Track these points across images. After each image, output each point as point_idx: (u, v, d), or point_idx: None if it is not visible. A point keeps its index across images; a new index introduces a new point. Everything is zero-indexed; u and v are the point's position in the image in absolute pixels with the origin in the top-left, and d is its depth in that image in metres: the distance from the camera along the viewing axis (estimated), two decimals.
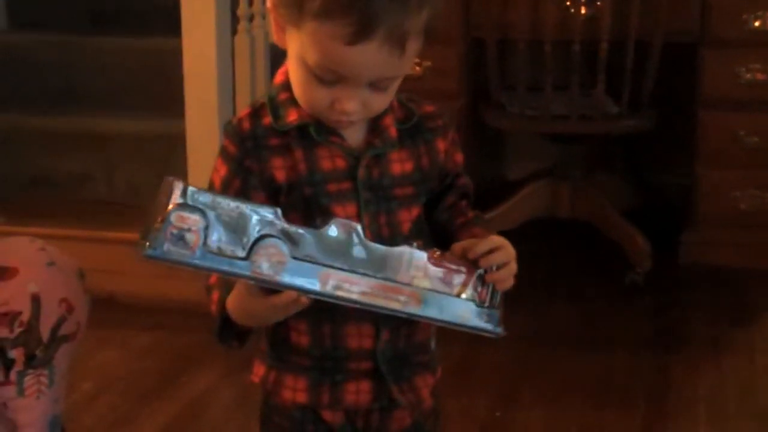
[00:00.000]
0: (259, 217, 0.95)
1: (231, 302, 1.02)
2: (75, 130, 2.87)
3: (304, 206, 1.04)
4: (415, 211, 1.09)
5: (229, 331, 1.05)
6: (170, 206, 0.91)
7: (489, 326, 1.05)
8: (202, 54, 2.40)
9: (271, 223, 0.95)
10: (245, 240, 0.94)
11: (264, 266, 0.94)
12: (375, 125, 1.07)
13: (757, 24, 2.65)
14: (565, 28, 2.57)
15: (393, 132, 1.08)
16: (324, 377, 1.08)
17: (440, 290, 1.02)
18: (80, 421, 1.95)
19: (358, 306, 0.99)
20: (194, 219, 0.92)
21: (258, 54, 2.57)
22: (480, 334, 1.05)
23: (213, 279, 1.05)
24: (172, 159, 2.66)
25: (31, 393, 1.50)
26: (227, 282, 1.02)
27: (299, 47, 1.01)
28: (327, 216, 1.01)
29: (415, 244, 1.01)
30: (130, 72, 2.94)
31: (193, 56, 2.42)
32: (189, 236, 0.91)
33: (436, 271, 1.02)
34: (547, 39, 2.54)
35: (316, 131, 1.05)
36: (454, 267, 1.03)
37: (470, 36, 2.81)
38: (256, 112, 1.07)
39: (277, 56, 2.48)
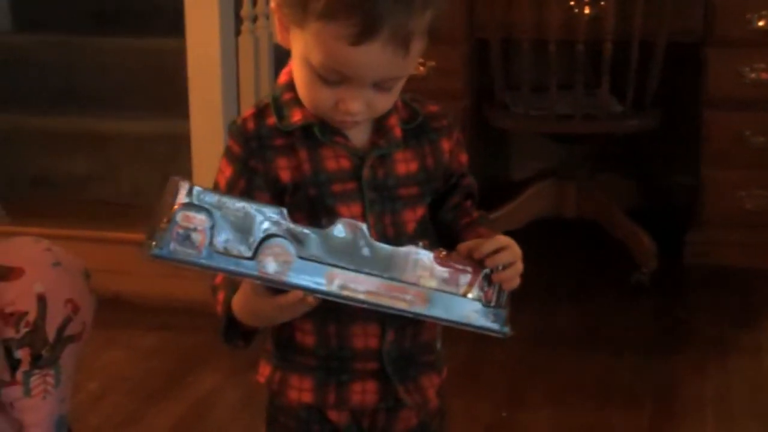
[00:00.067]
0: (265, 216, 0.95)
1: (236, 302, 1.02)
2: (78, 130, 2.88)
3: (309, 206, 1.04)
4: (420, 211, 1.09)
5: (235, 331, 1.05)
6: (176, 206, 0.91)
7: (495, 326, 1.05)
8: (206, 54, 2.41)
9: (277, 223, 0.95)
10: (251, 240, 0.94)
11: (270, 266, 0.94)
12: (379, 125, 1.07)
13: (761, 23, 2.65)
14: (569, 28, 2.57)
15: (398, 132, 1.08)
16: (330, 377, 1.08)
17: (446, 290, 1.02)
18: (86, 421, 1.96)
19: (364, 306, 0.99)
20: (200, 219, 0.92)
21: (262, 54, 2.57)
22: (486, 334, 1.05)
23: (218, 279, 1.05)
24: (175, 159, 2.66)
25: (37, 393, 1.50)
26: (233, 282, 1.02)
27: (303, 47, 1.01)
28: (332, 216, 1.01)
29: (421, 243, 1.01)
30: (133, 72, 2.94)
31: (197, 57, 2.42)
32: (195, 236, 0.91)
33: (442, 270, 1.02)
34: (551, 39, 2.54)
35: (320, 131, 1.05)
36: (460, 267, 1.03)
37: (474, 36, 2.81)
38: (260, 113, 1.07)
39: (281, 56, 2.48)
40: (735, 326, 2.43)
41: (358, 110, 1.01)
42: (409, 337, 1.09)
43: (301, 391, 1.09)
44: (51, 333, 1.49)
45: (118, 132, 2.85)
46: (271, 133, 1.05)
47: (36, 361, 1.49)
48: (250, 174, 1.05)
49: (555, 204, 2.80)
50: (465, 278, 1.03)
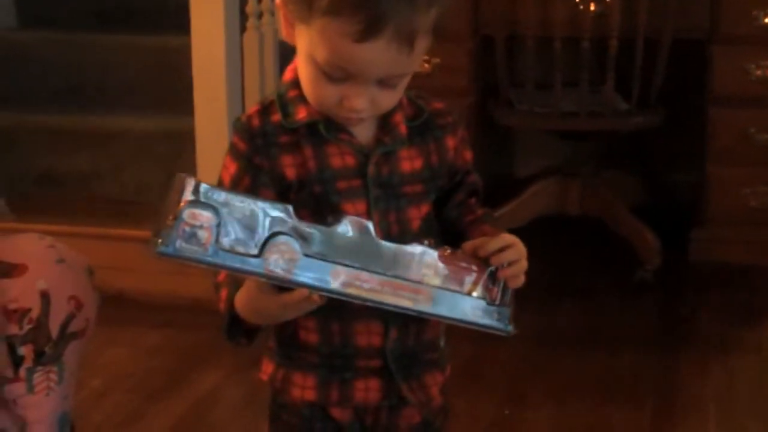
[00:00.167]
0: (271, 214, 0.94)
1: (240, 300, 1.02)
2: (83, 127, 2.88)
3: (314, 203, 1.04)
4: (425, 209, 1.09)
5: (238, 328, 1.05)
6: (182, 203, 0.91)
7: (500, 324, 1.05)
8: (211, 51, 2.40)
9: (282, 221, 0.95)
10: (257, 237, 0.93)
11: (276, 264, 0.94)
12: (385, 122, 1.07)
13: (766, 20, 2.64)
14: (575, 25, 2.56)
15: (403, 129, 1.08)
16: (333, 375, 1.08)
17: (451, 288, 1.02)
18: (89, 418, 1.96)
19: (369, 304, 0.99)
20: (206, 216, 0.91)
21: (267, 51, 2.57)
22: (490, 333, 1.05)
23: (221, 276, 1.05)
24: (180, 156, 2.66)
25: (40, 390, 1.50)
26: (236, 279, 1.02)
27: (308, 44, 1.01)
28: (337, 213, 1.01)
29: (426, 242, 1.01)
30: (137, 69, 2.94)
31: (202, 54, 2.42)
32: (201, 233, 0.91)
33: (447, 269, 1.02)
34: (556, 36, 2.54)
35: (325, 128, 1.05)
36: (464, 265, 1.03)
37: (479, 33, 2.80)
38: (265, 110, 1.07)
39: (287, 53, 2.48)
40: (738, 324, 2.43)
41: (363, 107, 1.01)
42: (412, 335, 1.09)
43: (304, 388, 1.09)
44: (54, 330, 1.49)
45: (123, 129, 2.85)
46: (276, 130, 1.05)
47: (39, 357, 1.49)
48: (255, 171, 1.04)
49: (559, 201, 2.79)
50: (469, 276, 1.03)
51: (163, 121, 2.80)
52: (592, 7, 2.59)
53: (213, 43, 2.40)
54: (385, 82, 1.01)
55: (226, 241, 0.92)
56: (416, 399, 1.11)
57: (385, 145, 1.06)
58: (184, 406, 2.04)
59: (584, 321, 2.46)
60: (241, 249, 0.93)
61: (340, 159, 1.05)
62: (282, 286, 0.97)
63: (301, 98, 1.05)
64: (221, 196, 0.92)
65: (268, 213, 0.94)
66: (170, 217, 0.91)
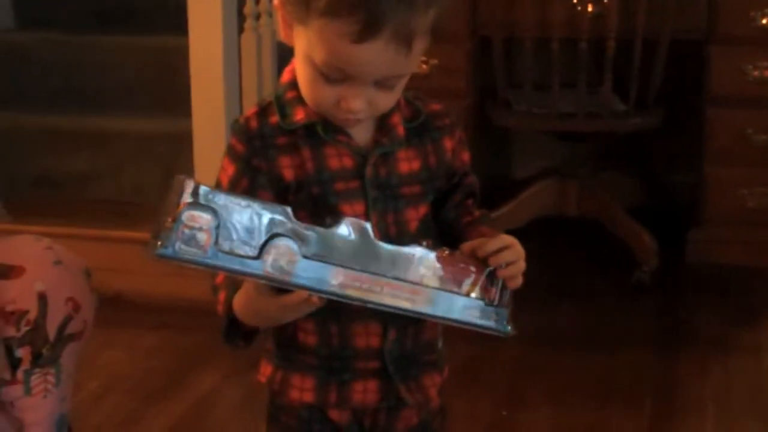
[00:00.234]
0: (270, 216, 0.94)
1: (238, 302, 1.02)
2: (80, 128, 2.88)
3: (312, 205, 1.04)
4: (423, 210, 1.09)
5: (236, 331, 1.05)
6: (181, 205, 0.91)
7: (498, 325, 1.05)
8: (209, 52, 2.40)
9: (282, 223, 0.95)
10: (256, 239, 0.93)
11: (275, 265, 0.94)
12: (383, 124, 1.07)
13: (764, 21, 2.64)
14: (572, 26, 2.56)
15: (401, 131, 1.08)
16: (331, 376, 1.08)
17: (449, 289, 1.02)
18: (87, 420, 1.95)
19: (368, 305, 0.99)
20: (206, 218, 0.91)
21: (265, 52, 2.57)
22: (489, 333, 1.05)
23: (219, 279, 1.05)
24: (178, 158, 2.66)
25: (38, 392, 1.50)
26: (234, 282, 1.02)
27: (306, 45, 1.01)
28: (335, 214, 1.01)
29: (425, 243, 1.01)
30: (135, 70, 2.94)
31: (200, 55, 2.42)
32: (200, 235, 0.91)
33: (446, 270, 1.02)
34: (554, 37, 2.54)
35: (323, 130, 1.05)
36: (463, 266, 1.03)
37: (477, 34, 2.80)
38: (263, 111, 1.07)
39: (284, 55, 2.48)
40: (736, 325, 2.43)
41: (360, 108, 1.01)
42: (410, 336, 1.09)
43: (302, 390, 1.09)
44: (52, 332, 1.49)
45: (120, 130, 2.85)
46: (274, 131, 1.05)
47: (37, 359, 1.49)
48: (253, 173, 1.04)
49: (557, 202, 2.79)
50: (468, 278, 1.03)
51: (161, 122, 2.80)
52: (590, 8, 2.59)
53: (211, 44, 2.40)
54: (382, 83, 1.01)
55: (225, 243, 0.92)
56: (414, 400, 1.11)
57: (383, 146, 1.06)
58: (183, 408, 2.04)
59: (583, 322, 2.46)
60: (240, 251, 0.93)
61: (338, 160, 1.05)
62: (281, 288, 0.97)
63: (299, 100, 1.05)
64: (220, 198, 0.92)
65: (267, 215, 0.94)
66: (169, 220, 0.91)
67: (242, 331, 1.05)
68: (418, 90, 1.11)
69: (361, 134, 1.06)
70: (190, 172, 2.43)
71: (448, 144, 1.11)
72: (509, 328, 1.06)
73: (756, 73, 2.66)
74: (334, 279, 0.96)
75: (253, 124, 1.06)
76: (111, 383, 2.14)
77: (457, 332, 1.07)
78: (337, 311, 1.03)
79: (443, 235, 1.10)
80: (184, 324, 2.36)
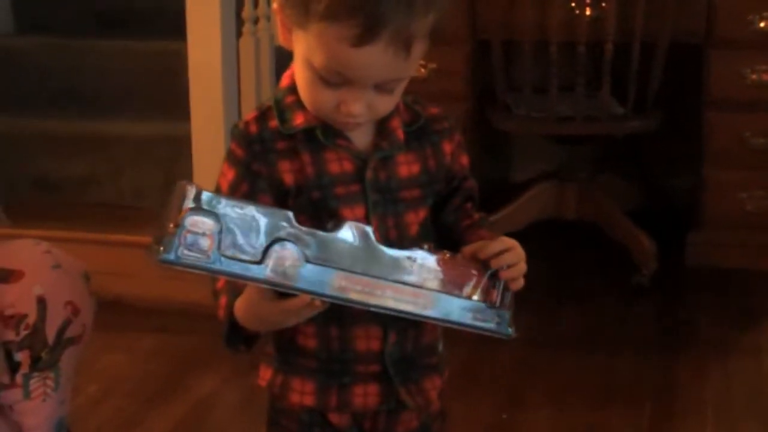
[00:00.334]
0: (272, 220, 0.95)
1: (239, 307, 1.02)
2: (79, 132, 2.88)
3: (312, 209, 1.04)
4: (422, 214, 1.09)
5: (237, 335, 1.05)
6: (184, 211, 0.91)
7: (500, 328, 1.05)
8: (208, 56, 2.40)
9: (284, 227, 0.95)
10: (259, 244, 0.94)
11: (278, 270, 0.94)
12: (382, 127, 1.07)
13: (762, 24, 2.65)
14: (571, 29, 2.56)
15: (400, 134, 1.08)
16: (331, 380, 1.08)
17: (451, 292, 1.02)
18: (86, 424, 1.95)
19: (371, 309, 0.99)
20: (208, 223, 0.92)
21: (263, 56, 2.57)
22: (490, 336, 1.05)
23: (220, 283, 1.05)
24: (177, 162, 2.66)
25: (37, 396, 1.50)
26: (235, 286, 1.02)
27: (305, 49, 1.01)
28: (335, 218, 1.01)
29: (426, 246, 1.02)
30: (134, 74, 2.94)
31: (199, 59, 2.42)
32: (203, 241, 0.91)
33: (447, 273, 1.02)
34: (552, 40, 2.54)
35: (323, 134, 1.05)
36: (464, 269, 1.03)
37: (476, 38, 2.80)
38: (262, 116, 1.07)
39: (283, 59, 2.49)
40: (735, 328, 2.43)
41: (359, 112, 1.01)
42: (410, 339, 1.09)
43: (302, 394, 1.09)
44: (51, 335, 1.49)
45: (119, 134, 2.85)
46: (274, 136, 1.05)
47: (36, 363, 1.49)
48: (253, 177, 1.04)
49: (555, 205, 2.80)
50: (469, 280, 1.03)
51: (160, 125, 2.80)
52: (588, 12, 2.59)
53: (209, 48, 2.40)
54: (382, 87, 1.01)
55: (227, 248, 0.92)
56: (415, 403, 1.11)
57: (383, 150, 1.06)
58: (182, 411, 2.04)
59: (582, 324, 2.46)
60: (242, 256, 0.93)
61: (338, 164, 1.05)
62: (283, 292, 0.97)
63: (299, 104, 1.05)
64: (222, 203, 0.93)
65: (269, 219, 0.94)
66: (171, 225, 0.91)
67: (243, 336, 1.05)
68: (416, 94, 1.11)
69: (361, 138, 1.07)
70: (189, 175, 2.43)
71: (447, 147, 1.11)
72: (511, 330, 1.06)
73: (754, 76, 2.66)
74: (336, 282, 0.96)
75: (253, 128, 1.06)
76: (110, 387, 2.14)
77: (456, 334, 1.07)
78: (337, 314, 1.03)
79: (442, 238, 1.10)
80: (183, 327, 2.36)
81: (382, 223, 1.05)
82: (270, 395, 1.12)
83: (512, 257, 1.04)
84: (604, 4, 2.56)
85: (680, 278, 2.71)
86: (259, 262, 0.94)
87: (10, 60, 3.05)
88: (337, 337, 1.07)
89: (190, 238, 0.91)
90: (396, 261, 0.99)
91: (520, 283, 1.06)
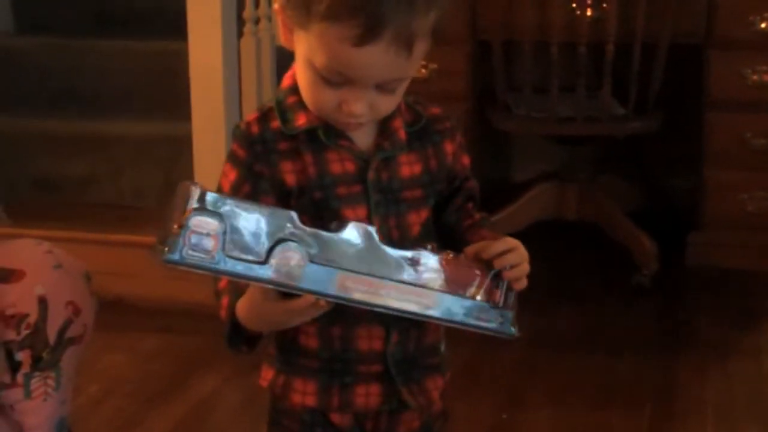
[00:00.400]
0: (276, 221, 0.95)
1: (242, 307, 1.02)
2: (80, 132, 2.88)
3: (314, 210, 1.04)
4: (424, 214, 1.09)
5: (239, 336, 1.05)
6: (188, 211, 0.91)
7: (504, 328, 1.05)
8: (208, 57, 2.41)
9: (288, 227, 0.95)
10: (263, 244, 0.94)
11: (282, 270, 0.94)
12: (384, 128, 1.07)
13: (763, 25, 2.65)
14: (571, 29, 2.56)
15: (402, 135, 1.08)
16: (333, 380, 1.08)
17: (455, 292, 1.02)
18: (87, 424, 1.95)
19: (375, 309, 0.99)
20: (213, 224, 0.92)
21: (264, 57, 2.57)
22: (493, 336, 1.05)
23: (222, 284, 1.05)
24: (177, 162, 2.66)
25: (37, 395, 1.50)
26: (237, 287, 1.02)
27: (307, 49, 1.01)
28: (337, 219, 1.01)
29: (429, 246, 1.02)
30: (135, 74, 2.94)
31: (200, 59, 2.42)
32: (207, 241, 0.91)
33: (451, 273, 1.02)
34: (553, 41, 2.54)
35: (324, 135, 1.05)
36: (467, 269, 1.03)
37: (476, 38, 2.80)
38: (264, 116, 1.07)
39: (284, 59, 2.49)
40: (736, 328, 2.43)
41: (361, 112, 1.01)
42: (413, 339, 1.09)
43: (304, 394, 1.09)
44: (52, 335, 1.49)
45: (120, 134, 2.85)
46: (276, 136, 1.05)
47: (37, 363, 1.49)
48: (255, 178, 1.04)
49: (556, 206, 2.80)
50: (473, 280, 1.03)
51: (161, 125, 2.80)
52: (589, 12, 2.59)
53: (210, 48, 2.41)
54: (383, 87, 1.01)
55: (232, 249, 0.92)
56: (417, 403, 1.11)
57: (385, 150, 1.06)
58: (183, 411, 2.04)
59: (583, 324, 2.46)
60: (247, 256, 0.93)
61: (340, 165, 1.05)
62: (287, 293, 0.97)
63: (300, 105, 1.05)
64: (227, 203, 0.93)
65: (273, 220, 0.95)
66: (176, 226, 0.91)
67: (245, 336, 1.05)
68: (417, 94, 1.12)
69: (363, 138, 1.07)
70: (189, 175, 2.43)
71: (448, 148, 1.11)
72: (514, 330, 1.06)
73: (755, 77, 2.66)
74: (340, 283, 0.97)
75: (255, 129, 1.06)
76: (111, 387, 2.14)
77: (457, 334, 1.07)
78: (339, 314, 1.03)
79: (444, 239, 1.10)
80: (184, 327, 2.36)
81: (384, 224, 1.05)
82: (271, 395, 1.12)
83: (515, 257, 1.04)
84: (604, 5, 2.56)
85: (681, 279, 2.71)
86: (264, 263, 0.94)
87: (9, 60, 3.05)
88: (339, 336, 1.07)
89: (194, 238, 0.91)
90: (399, 261, 0.99)
91: (524, 283, 1.06)
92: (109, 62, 2.98)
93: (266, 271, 0.94)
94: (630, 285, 2.62)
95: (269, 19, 2.58)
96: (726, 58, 2.68)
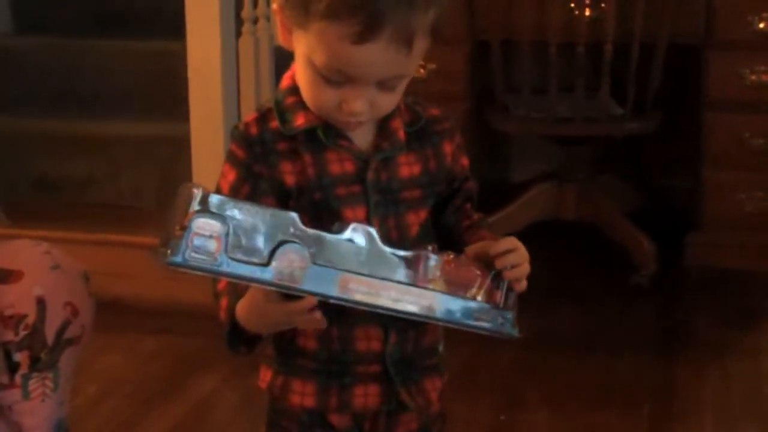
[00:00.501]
0: (278, 222, 0.95)
1: (242, 309, 1.02)
2: (79, 133, 2.88)
3: (314, 210, 1.04)
4: (423, 214, 1.09)
5: (238, 337, 1.05)
6: (190, 213, 0.91)
7: (504, 328, 1.06)
8: (207, 57, 2.40)
9: (290, 229, 0.95)
10: (265, 246, 0.94)
11: (284, 272, 0.94)
12: (383, 128, 1.07)
13: (761, 25, 2.65)
14: (570, 30, 2.56)
15: (401, 135, 1.08)
16: (332, 381, 1.08)
17: (455, 293, 1.03)
18: (85, 425, 1.95)
19: (377, 310, 0.99)
20: (215, 226, 0.92)
21: (262, 56, 2.57)
22: (494, 336, 1.05)
23: (221, 285, 1.05)
24: (176, 162, 2.66)
25: (36, 396, 1.49)
26: (236, 288, 1.02)
27: (306, 48, 1.01)
28: (337, 219, 1.01)
29: (430, 247, 1.02)
30: (134, 75, 2.94)
31: (198, 59, 2.42)
32: (210, 243, 0.91)
33: (451, 274, 1.02)
34: (551, 41, 2.54)
35: (324, 134, 1.05)
36: (468, 270, 1.03)
37: (475, 38, 2.80)
38: (263, 117, 1.07)
39: (282, 59, 2.49)
40: (734, 329, 2.43)
41: (362, 110, 1.01)
42: (411, 340, 1.09)
43: (303, 395, 1.09)
44: (50, 336, 1.49)
45: (119, 134, 2.85)
46: (275, 137, 1.05)
47: (35, 364, 1.48)
48: (255, 179, 1.04)
49: (554, 206, 2.80)
50: (474, 281, 1.03)
51: (160, 126, 2.80)
52: (588, 13, 2.59)
53: (208, 48, 2.40)
54: (384, 85, 1.01)
55: (234, 251, 0.92)
56: (415, 404, 1.11)
57: (384, 150, 1.06)
58: (181, 412, 2.04)
59: (581, 325, 2.46)
60: (249, 258, 0.93)
61: (339, 165, 1.05)
62: (288, 294, 0.97)
63: (299, 105, 1.05)
64: (229, 205, 0.93)
65: (275, 221, 0.95)
66: (178, 228, 0.91)
67: (245, 338, 1.05)
68: (416, 95, 1.12)
69: (362, 139, 1.07)
70: (188, 175, 2.43)
71: (447, 148, 1.11)
72: (515, 331, 1.06)
73: (753, 77, 2.66)
74: (342, 284, 0.97)
75: (253, 130, 1.06)
76: (109, 387, 2.14)
77: (456, 335, 1.07)
78: (338, 315, 1.03)
79: (442, 239, 1.10)
80: (182, 328, 2.36)
81: (383, 224, 1.05)
82: (270, 396, 1.12)
83: (516, 258, 1.04)
84: (603, 5, 2.56)
85: (679, 279, 2.71)
86: (266, 265, 0.94)
87: (9, 60, 3.05)
88: (337, 337, 1.07)
89: (197, 240, 0.91)
90: (400, 262, 1.00)
91: (524, 285, 1.06)
92: (108, 62, 2.98)
93: (268, 273, 0.94)
94: (629, 285, 2.62)
95: (268, 18, 2.58)
96: (724, 58, 2.68)
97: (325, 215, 1.03)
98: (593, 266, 2.80)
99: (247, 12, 2.55)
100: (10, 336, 1.47)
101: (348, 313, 1.02)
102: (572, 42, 2.55)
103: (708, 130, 2.73)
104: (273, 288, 0.95)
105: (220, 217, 0.92)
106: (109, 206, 2.79)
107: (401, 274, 0.99)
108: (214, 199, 0.92)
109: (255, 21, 2.58)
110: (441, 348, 1.14)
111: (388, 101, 1.03)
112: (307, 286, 0.95)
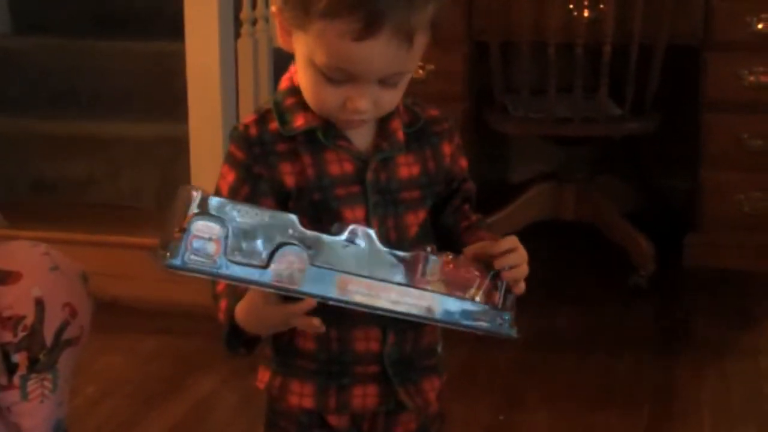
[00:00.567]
0: (278, 224, 0.95)
1: (241, 310, 1.02)
2: (78, 133, 2.88)
3: (313, 211, 1.04)
4: (422, 215, 1.09)
5: (237, 339, 1.05)
6: (190, 216, 0.91)
7: (503, 329, 1.06)
8: (206, 58, 2.41)
9: (289, 231, 0.95)
10: (264, 248, 0.94)
11: (284, 274, 0.94)
12: (382, 129, 1.07)
13: (760, 26, 2.65)
14: (569, 30, 2.57)
15: (400, 135, 1.08)
16: (330, 381, 1.08)
17: (454, 294, 1.03)
18: (84, 426, 1.95)
19: (376, 312, 1.00)
20: (214, 228, 0.92)
21: (261, 57, 2.57)
22: (489, 336, 1.06)
23: (220, 287, 1.05)
24: (175, 163, 2.66)
25: (34, 397, 1.49)
26: (235, 290, 1.02)
27: (307, 49, 1.01)
28: (336, 220, 1.01)
29: (428, 248, 1.02)
30: (133, 75, 2.95)
31: (197, 60, 2.42)
32: (209, 245, 0.91)
33: (450, 274, 1.02)
34: (550, 42, 2.54)
35: (323, 135, 1.05)
36: (467, 270, 1.03)
37: (474, 39, 2.81)
38: (262, 118, 1.07)
39: (281, 60, 2.49)
40: (733, 329, 2.43)
41: (366, 108, 1.01)
42: (410, 340, 1.09)
43: (301, 396, 1.09)
44: (48, 337, 1.49)
45: (118, 135, 2.85)
46: (274, 138, 1.05)
47: (33, 365, 1.48)
48: (255, 180, 1.04)
49: (553, 207, 2.80)
50: (472, 282, 1.04)
51: (159, 127, 2.80)
52: (586, 13, 2.59)
53: (207, 49, 2.41)
54: (386, 82, 1.01)
55: (234, 253, 0.92)
56: (414, 404, 1.11)
57: (383, 151, 1.07)
58: (180, 413, 2.04)
59: (580, 325, 2.46)
60: (249, 260, 0.93)
61: (338, 166, 1.05)
62: (287, 296, 0.97)
63: (299, 106, 1.05)
64: (228, 207, 0.93)
65: (275, 223, 0.95)
66: (177, 230, 0.91)
67: (244, 339, 1.05)
68: (415, 95, 1.12)
69: (361, 139, 1.07)
70: (187, 176, 2.43)
71: (446, 149, 1.11)
72: (514, 331, 1.06)
73: (752, 78, 2.66)
74: (341, 286, 0.97)
75: (253, 131, 1.06)
76: (108, 388, 2.14)
77: (454, 336, 1.07)
78: (337, 316, 1.03)
79: (441, 240, 1.11)
80: (181, 329, 2.36)
81: (383, 225, 1.05)
82: (268, 397, 1.12)
83: (516, 258, 1.05)
84: (602, 6, 2.57)
85: (678, 279, 2.71)
86: (265, 267, 0.94)
87: (8, 60, 3.05)
88: (336, 338, 1.07)
89: (196, 243, 0.91)
90: (400, 263, 1.00)
91: (522, 287, 1.06)
92: (107, 63, 2.98)
93: (267, 275, 0.94)
94: (627, 286, 2.62)
95: (266, 20, 2.58)
96: (723, 59, 2.68)
97: (324, 216, 1.03)
98: (592, 266, 2.80)
99: (245, 13, 2.55)
100: (8, 337, 1.47)
101: (346, 314, 1.02)
102: (571, 43, 2.55)
103: (706, 130, 2.73)
104: (272, 290, 0.95)
105: (219, 219, 0.92)
106: (109, 207, 2.79)
107: (400, 275, 1.00)
108: (213, 201, 0.92)
109: (254, 22, 2.58)
110: (440, 348, 1.14)
111: (391, 98, 1.03)
112: (306, 287, 0.95)
